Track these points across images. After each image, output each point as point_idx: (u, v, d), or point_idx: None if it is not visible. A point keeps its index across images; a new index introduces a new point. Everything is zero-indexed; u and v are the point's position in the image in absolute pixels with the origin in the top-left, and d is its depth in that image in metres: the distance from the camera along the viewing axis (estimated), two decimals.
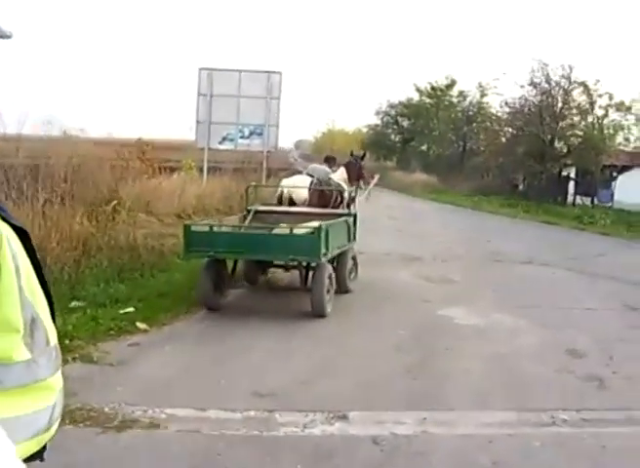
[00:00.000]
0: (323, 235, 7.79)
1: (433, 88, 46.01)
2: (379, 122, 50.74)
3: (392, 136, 50.99)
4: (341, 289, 9.12)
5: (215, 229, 8.39)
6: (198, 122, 20.46)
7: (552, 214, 24.12)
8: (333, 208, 10.38)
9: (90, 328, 6.97)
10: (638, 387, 6.02)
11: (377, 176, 13.47)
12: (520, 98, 31.61)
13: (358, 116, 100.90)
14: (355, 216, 9.88)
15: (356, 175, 11.63)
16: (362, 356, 6.64)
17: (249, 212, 9.91)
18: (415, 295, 9.42)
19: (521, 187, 34.03)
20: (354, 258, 9.87)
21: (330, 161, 11.94)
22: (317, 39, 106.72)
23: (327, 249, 7.97)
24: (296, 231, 8.16)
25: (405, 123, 49.25)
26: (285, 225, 8.63)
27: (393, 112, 49.59)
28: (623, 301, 9.47)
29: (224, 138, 20.61)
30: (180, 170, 18.42)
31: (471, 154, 39.03)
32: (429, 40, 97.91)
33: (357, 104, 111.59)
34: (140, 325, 7.56)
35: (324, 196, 10.52)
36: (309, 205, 10.33)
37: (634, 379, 6.19)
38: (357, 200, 11.08)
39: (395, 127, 50.43)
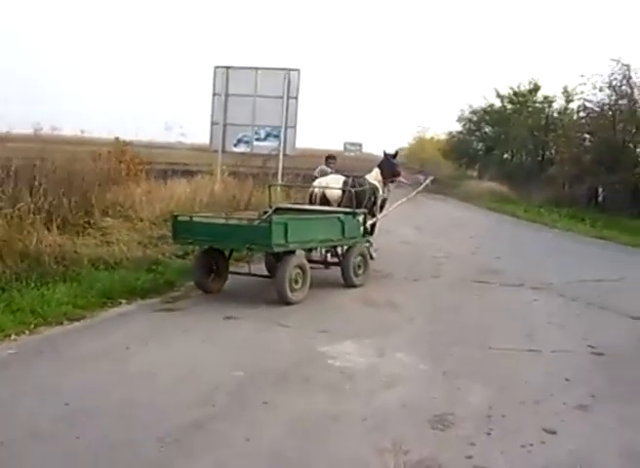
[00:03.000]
0: (277, 227, 8.32)
1: (515, 93, 43.03)
2: (461, 129, 48.10)
3: (474, 144, 48.24)
4: (347, 283, 9.76)
5: (194, 219, 9.25)
6: (213, 123, 19.16)
7: (618, 229, 21.13)
8: (365, 208, 10.84)
9: None
10: None
11: (430, 178, 14.48)
12: (597, 103, 28.62)
13: (449, 123, 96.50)
14: (365, 215, 10.40)
15: (391, 174, 12.21)
16: (135, 406, 4.92)
17: (271, 208, 10.34)
18: (321, 323, 7.59)
19: (600, 198, 30.90)
20: (363, 255, 10.11)
21: (329, 160, 12.79)
22: (408, 43, 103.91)
23: (286, 240, 8.41)
24: (253, 222, 9.11)
25: (487, 130, 46.45)
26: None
27: (475, 119, 46.85)
28: (595, 342, 7.24)
29: (239, 141, 19.22)
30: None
31: (549, 163, 36.00)
32: (514, 41, 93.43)
33: (448, 110, 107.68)
34: None
35: (356, 196, 10.83)
36: (342, 204, 10.74)
37: None
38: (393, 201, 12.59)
39: (477, 134, 47.69)
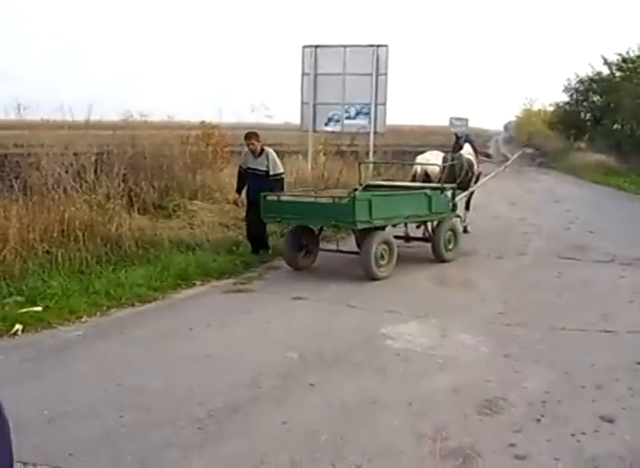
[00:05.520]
0: (360, 204, 8.48)
1: (624, 60, 40.67)
2: (568, 99, 46.04)
3: (582, 115, 46.11)
4: (437, 258, 9.85)
5: (282, 199, 9.40)
6: (303, 103, 19.14)
7: None
8: (462, 182, 11.24)
9: None
10: None
11: (518, 153, 16.68)
12: None
13: (556, 93, 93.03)
14: (454, 190, 10.40)
15: (477, 151, 12.93)
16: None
17: (361, 185, 10.27)
18: (390, 303, 7.44)
19: None
20: (453, 230, 10.16)
21: (250, 139, 10.08)
22: (514, 14, 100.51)
23: (370, 217, 8.56)
24: (336, 200, 8.98)
25: (595, 99, 44.24)
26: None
27: (582, 88, 44.72)
28: None
29: (330, 120, 19.12)
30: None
31: None
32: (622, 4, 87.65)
33: (555, 80, 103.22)
34: (19, 326, 6.59)
35: (453, 171, 11.29)
36: (442, 179, 10.74)
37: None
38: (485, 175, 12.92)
39: (585, 104, 45.54)
